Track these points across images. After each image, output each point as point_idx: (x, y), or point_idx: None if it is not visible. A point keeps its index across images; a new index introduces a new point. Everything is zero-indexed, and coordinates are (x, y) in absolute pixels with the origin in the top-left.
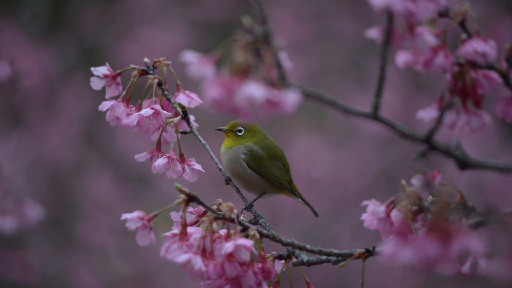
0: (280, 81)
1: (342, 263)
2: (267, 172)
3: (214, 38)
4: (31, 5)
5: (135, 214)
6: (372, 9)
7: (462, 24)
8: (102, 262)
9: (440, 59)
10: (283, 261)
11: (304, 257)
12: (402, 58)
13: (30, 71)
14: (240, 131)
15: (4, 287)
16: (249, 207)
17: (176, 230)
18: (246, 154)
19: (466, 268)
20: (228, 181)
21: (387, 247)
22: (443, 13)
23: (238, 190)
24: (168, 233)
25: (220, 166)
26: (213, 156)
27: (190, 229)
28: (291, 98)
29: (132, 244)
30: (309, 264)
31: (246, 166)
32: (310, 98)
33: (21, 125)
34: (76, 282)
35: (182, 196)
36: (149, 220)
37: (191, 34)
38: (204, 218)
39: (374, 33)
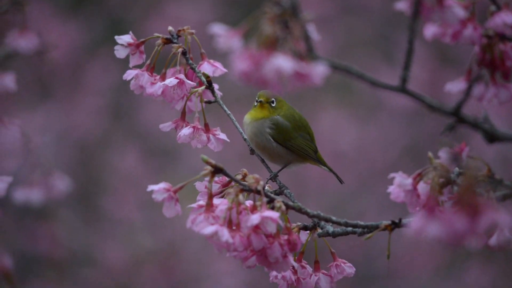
0: (308, 54)
1: (368, 235)
2: (293, 145)
3: (240, 12)
4: None
5: (161, 185)
6: None
7: None
8: (128, 235)
9: (468, 31)
10: (308, 232)
11: (330, 228)
12: (430, 30)
13: (58, 43)
14: (273, 102)
15: (31, 259)
16: (274, 177)
17: (201, 201)
18: (272, 128)
19: (493, 240)
20: (252, 151)
21: (414, 220)
22: None
23: (263, 161)
24: (194, 205)
25: (245, 136)
26: (238, 126)
27: (215, 201)
28: (319, 70)
29: (158, 218)
30: (334, 235)
31: (272, 139)
32: (338, 70)
33: (48, 98)
34: (102, 256)
35: (209, 168)
36: (175, 192)
37: (217, 8)
38: (230, 190)
39: (403, 5)
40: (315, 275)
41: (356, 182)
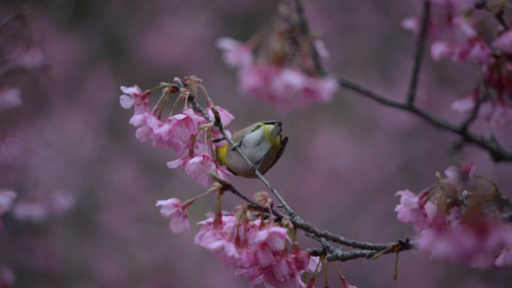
0: (316, 70)
1: (376, 255)
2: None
3: (237, 29)
4: None
5: (170, 201)
6: (398, 2)
7: (499, 16)
8: (124, 251)
9: (476, 50)
10: (317, 257)
11: (339, 252)
12: (438, 49)
13: (63, 59)
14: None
15: (27, 273)
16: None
17: (211, 218)
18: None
19: (499, 261)
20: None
21: (422, 239)
22: (480, 5)
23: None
24: (203, 222)
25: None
26: (247, 159)
27: (224, 218)
28: (328, 86)
29: (154, 234)
30: (343, 258)
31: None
32: (346, 87)
33: (47, 113)
34: (98, 271)
35: (217, 184)
36: (183, 207)
37: (214, 25)
38: (238, 207)
39: (411, 23)
40: None
41: (351, 200)
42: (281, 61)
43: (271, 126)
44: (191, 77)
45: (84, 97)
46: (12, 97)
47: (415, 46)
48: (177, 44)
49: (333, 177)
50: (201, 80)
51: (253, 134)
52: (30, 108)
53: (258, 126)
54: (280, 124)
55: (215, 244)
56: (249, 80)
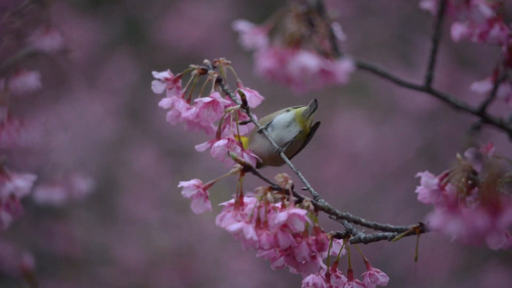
0: (333, 52)
1: (396, 237)
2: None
3: (257, 11)
4: None
5: (192, 182)
6: None
7: None
8: (144, 235)
9: (495, 31)
10: (340, 240)
11: (361, 234)
12: (458, 30)
13: (83, 42)
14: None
15: (47, 258)
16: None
17: (232, 200)
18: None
19: None
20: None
21: (435, 217)
22: None
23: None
24: (225, 203)
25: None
26: (273, 141)
27: (246, 199)
28: (344, 67)
29: (174, 218)
30: (366, 241)
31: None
32: (363, 69)
33: (67, 97)
34: (118, 255)
35: (238, 166)
36: (205, 189)
37: (234, 7)
38: (259, 188)
39: (428, 4)
40: (349, 284)
41: (371, 183)
42: (297, 43)
43: (304, 108)
44: (221, 59)
45: (104, 80)
46: (32, 80)
47: (433, 27)
48: (197, 28)
49: (353, 160)
50: (230, 62)
51: (284, 115)
52: (50, 92)
53: (288, 110)
54: (315, 101)
55: (234, 226)
56: (265, 62)
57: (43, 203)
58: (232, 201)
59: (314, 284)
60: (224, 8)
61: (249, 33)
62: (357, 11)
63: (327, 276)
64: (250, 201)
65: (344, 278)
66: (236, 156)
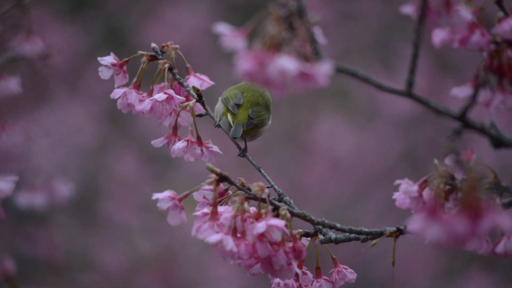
0: (313, 56)
1: (374, 242)
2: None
3: (238, 18)
4: None
5: (166, 193)
6: None
7: (499, 2)
8: (126, 240)
9: (476, 37)
10: (309, 238)
11: (332, 234)
12: (439, 36)
13: (63, 48)
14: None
15: (28, 262)
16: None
17: (206, 209)
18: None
19: (500, 248)
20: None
21: (414, 222)
22: None
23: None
24: (198, 213)
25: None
26: (228, 133)
27: (220, 208)
28: (323, 70)
29: (156, 223)
30: (337, 241)
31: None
32: (344, 73)
33: (47, 102)
34: (100, 260)
35: (213, 176)
36: (180, 200)
37: (214, 13)
38: (235, 198)
39: (409, 9)
40: (317, 282)
41: (353, 188)
42: (277, 46)
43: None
44: (168, 43)
45: (85, 86)
46: (12, 85)
47: (413, 32)
48: (178, 34)
49: (334, 165)
50: (178, 47)
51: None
52: (31, 97)
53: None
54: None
55: (213, 238)
56: (244, 64)
57: (24, 207)
58: (205, 210)
59: (285, 284)
60: (205, 13)
61: (229, 35)
62: (338, 16)
63: (296, 275)
64: (224, 209)
65: (310, 275)
66: (212, 167)
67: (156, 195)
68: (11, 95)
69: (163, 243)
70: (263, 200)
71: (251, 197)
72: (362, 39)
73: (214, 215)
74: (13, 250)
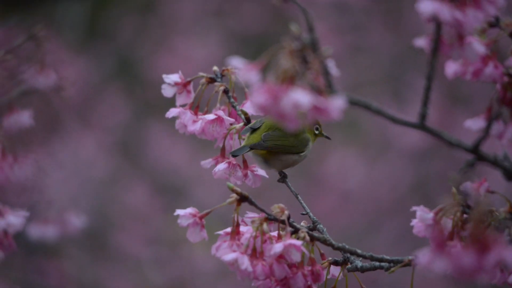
0: (327, 89)
1: (392, 269)
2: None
3: (249, 50)
4: (68, 15)
5: (188, 210)
6: (409, 23)
7: None
8: (137, 272)
9: (489, 69)
10: (339, 267)
11: (358, 263)
12: (452, 68)
13: (76, 80)
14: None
15: None
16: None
17: (229, 229)
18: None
19: None
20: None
21: (421, 254)
22: (494, 23)
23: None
24: (221, 232)
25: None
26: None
27: (242, 229)
28: (337, 104)
29: (166, 255)
30: (363, 270)
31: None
32: (357, 106)
33: (60, 134)
34: None
35: (234, 196)
36: (201, 218)
37: (226, 46)
38: (255, 219)
39: (422, 42)
40: None
41: (364, 220)
42: (291, 79)
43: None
44: (229, 67)
45: (97, 118)
46: (25, 118)
47: (426, 65)
48: (189, 65)
49: (345, 197)
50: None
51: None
52: (43, 129)
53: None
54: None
55: (229, 256)
56: (258, 97)
57: (36, 240)
58: (228, 230)
59: None
60: (216, 45)
61: (243, 69)
62: (349, 49)
63: None
64: (246, 230)
65: None
66: (233, 187)
67: (178, 211)
68: (24, 128)
69: (174, 275)
70: (283, 222)
71: (271, 218)
72: (374, 72)
73: (235, 234)
74: (25, 282)
